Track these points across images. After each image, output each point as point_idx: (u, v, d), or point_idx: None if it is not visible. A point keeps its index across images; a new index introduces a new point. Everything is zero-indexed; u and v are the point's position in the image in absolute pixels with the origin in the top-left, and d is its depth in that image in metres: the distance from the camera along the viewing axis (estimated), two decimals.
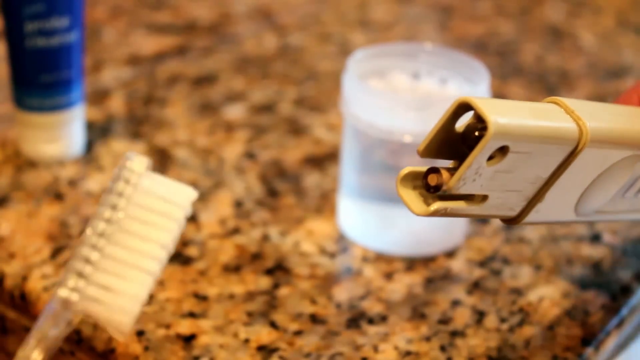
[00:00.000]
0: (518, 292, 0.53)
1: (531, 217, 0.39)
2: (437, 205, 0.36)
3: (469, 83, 0.55)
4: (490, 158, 0.36)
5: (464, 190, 0.36)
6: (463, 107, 0.36)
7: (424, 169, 0.37)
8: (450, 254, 0.56)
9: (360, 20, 0.88)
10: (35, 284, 0.51)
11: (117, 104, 0.69)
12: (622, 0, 0.95)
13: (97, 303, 0.37)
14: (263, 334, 0.49)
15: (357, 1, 0.92)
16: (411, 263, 0.55)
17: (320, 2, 0.90)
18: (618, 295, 0.54)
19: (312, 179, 0.62)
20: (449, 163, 0.37)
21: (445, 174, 0.36)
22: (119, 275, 0.37)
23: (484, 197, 0.37)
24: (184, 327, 0.49)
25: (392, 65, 0.56)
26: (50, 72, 0.59)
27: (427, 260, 0.55)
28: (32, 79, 0.59)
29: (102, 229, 0.37)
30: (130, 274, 0.37)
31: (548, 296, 0.53)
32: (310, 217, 0.58)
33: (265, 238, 0.56)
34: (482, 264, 0.55)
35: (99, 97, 0.69)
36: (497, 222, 0.58)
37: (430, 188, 0.36)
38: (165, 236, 0.38)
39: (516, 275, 0.54)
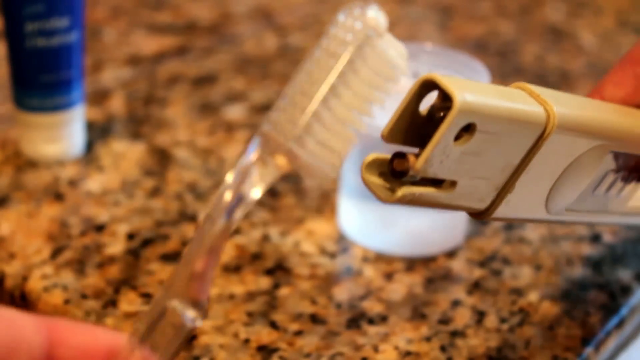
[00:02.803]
0: (518, 292, 0.53)
1: (502, 210, 0.38)
2: (403, 190, 0.35)
3: None
4: (457, 139, 0.34)
5: (431, 173, 0.35)
6: (427, 87, 0.35)
7: (389, 155, 0.35)
8: (451, 254, 0.56)
9: None
10: (35, 284, 0.51)
11: (117, 104, 0.69)
12: (622, 0, 0.95)
13: (313, 156, 0.34)
14: (263, 334, 0.49)
15: (357, 1, 0.91)
16: (411, 263, 0.55)
17: (320, 2, 0.90)
18: (618, 295, 0.54)
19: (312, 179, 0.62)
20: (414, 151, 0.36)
21: (411, 159, 0.34)
22: (334, 132, 0.34)
23: (453, 183, 0.36)
24: None
25: None
26: (50, 72, 0.59)
27: (427, 260, 0.55)
28: (32, 79, 0.59)
29: (333, 82, 0.34)
30: (342, 131, 0.34)
31: (548, 296, 0.53)
32: (310, 217, 0.58)
33: (266, 238, 0.56)
34: (482, 264, 0.55)
35: (99, 97, 0.70)
36: (497, 222, 0.58)
37: (396, 174, 0.35)
38: (381, 98, 0.35)
39: (516, 275, 0.54)
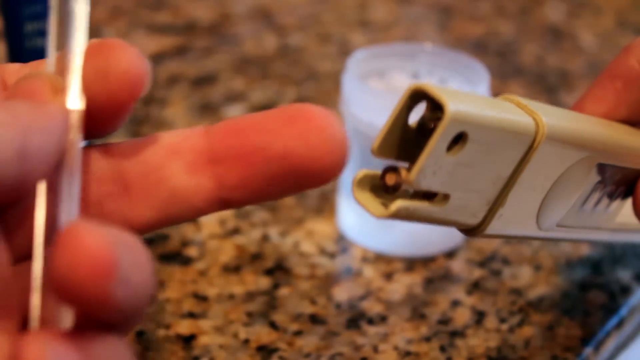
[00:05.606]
0: (518, 292, 0.53)
1: (494, 225, 0.38)
2: (397, 204, 0.34)
3: (469, 83, 0.55)
4: (449, 150, 0.34)
5: (425, 185, 0.34)
6: (415, 98, 0.34)
7: (380, 171, 0.35)
8: (450, 254, 0.56)
9: (360, 20, 0.88)
10: None
11: None
12: (622, 0, 0.95)
13: None
14: (263, 334, 0.49)
15: (357, 1, 0.92)
16: (411, 263, 0.55)
17: (320, 2, 0.90)
18: (618, 295, 0.54)
19: None
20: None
21: (404, 172, 0.34)
22: None
23: (446, 197, 0.35)
24: (184, 327, 0.49)
25: (392, 66, 0.56)
26: None
27: (427, 261, 0.55)
28: None
29: None
30: None
31: (548, 296, 0.53)
32: (310, 217, 0.58)
33: (265, 238, 0.56)
34: (482, 264, 0.55)
35: None
36: None
37: (388, 188, 0.34)
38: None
39: (516, 275, 0.54)
